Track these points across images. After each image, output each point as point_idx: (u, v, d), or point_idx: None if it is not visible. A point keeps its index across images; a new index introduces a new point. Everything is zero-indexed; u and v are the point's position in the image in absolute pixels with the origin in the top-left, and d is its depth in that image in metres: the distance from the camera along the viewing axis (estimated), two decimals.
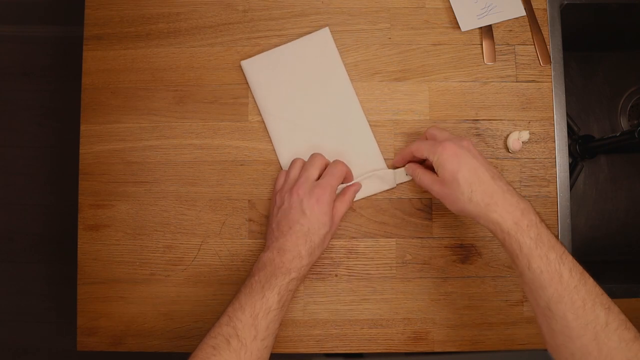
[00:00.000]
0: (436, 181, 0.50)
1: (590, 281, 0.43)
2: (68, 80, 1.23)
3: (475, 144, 0.51)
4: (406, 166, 0.56)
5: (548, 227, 0.46)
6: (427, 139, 0.55)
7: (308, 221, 0.51)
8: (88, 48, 0.61)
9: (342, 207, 0.54)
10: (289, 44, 0.60)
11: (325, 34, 0.60)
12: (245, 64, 0.60)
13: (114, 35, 0.61)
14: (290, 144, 0.59)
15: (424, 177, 0.52)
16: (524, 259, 0.44)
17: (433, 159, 0.50)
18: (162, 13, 0.61)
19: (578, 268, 0.43)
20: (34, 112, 1.27)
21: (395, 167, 0.59)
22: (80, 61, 0.61)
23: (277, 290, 0.48)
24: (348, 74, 0.60)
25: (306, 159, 0.57)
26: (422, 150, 0.52)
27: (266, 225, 0.57)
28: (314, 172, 0.53)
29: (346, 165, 0.55)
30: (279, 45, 0.60)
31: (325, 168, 0.55)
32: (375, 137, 0.59)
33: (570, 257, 0.44)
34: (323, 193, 0.51)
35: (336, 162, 0.55)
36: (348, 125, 0.59)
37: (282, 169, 0.59)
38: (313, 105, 0.59)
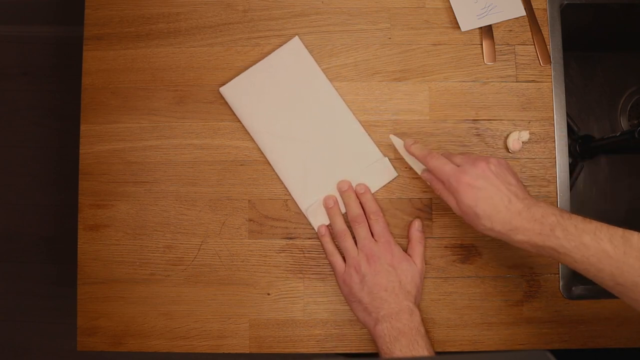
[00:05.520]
0: (457, 207, 0.50)
1: (635, 237, 0.41)
2: (68, 80, 1.23)
3: (497, 164, 0.49)
4: (424, 174, 0.56)
5: (567, 212, 0.45)
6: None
7: (396, 275, 0.54)
8: (88, 48, 0.61)
9: (419, 249, 0.57)
10: (263, 60, 0.60)
11: (296, 43, 0.60)
12: (224, 90, 0.59)
13: (114, 35, 0.61)
14: (285, 156, 0.59)
15: (445, 198, 0.52)
16: (566, 257, 0.44)
17: (451, 191, 0.50)
18: (162, 13, 0.61)
19: (616, 232, 0.42)
20: (34, 112, 1.27)
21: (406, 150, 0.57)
22: (80, 61, 0.61)
23: (423, 343, 0.51)
24: (328, 77, 0.59)
25: (304, 173, 0.58)
26: (440, 175, 0.51)
27: (350, 307, 0.56)
28: (365, 230, 0.56)
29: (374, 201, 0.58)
30: (257, 62, 0.59)
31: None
32: (367, 132, 0.59)
33: (604, 228, 0.43)
34: (389, 244, 0.56)
35: (377, 214, 0.57)
36: (338, 127, 0.59)
37: (279, 176, 0.59)
38: (300, 115, 0.59)
